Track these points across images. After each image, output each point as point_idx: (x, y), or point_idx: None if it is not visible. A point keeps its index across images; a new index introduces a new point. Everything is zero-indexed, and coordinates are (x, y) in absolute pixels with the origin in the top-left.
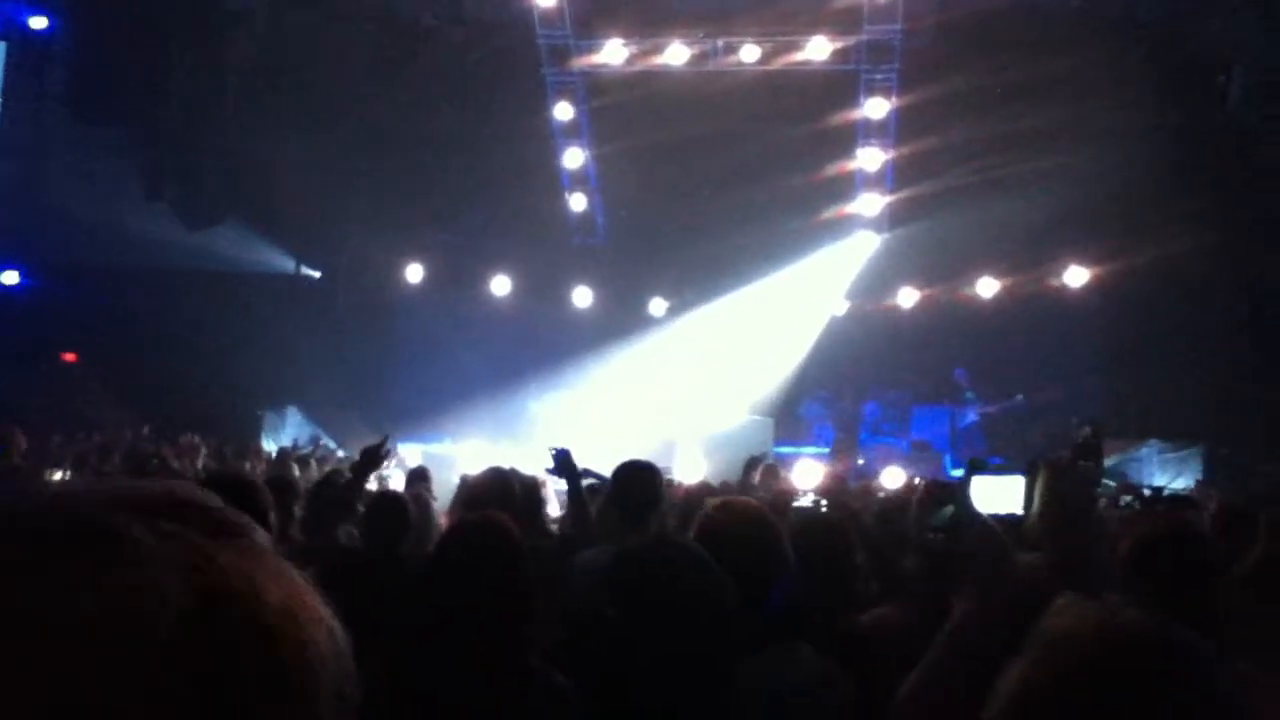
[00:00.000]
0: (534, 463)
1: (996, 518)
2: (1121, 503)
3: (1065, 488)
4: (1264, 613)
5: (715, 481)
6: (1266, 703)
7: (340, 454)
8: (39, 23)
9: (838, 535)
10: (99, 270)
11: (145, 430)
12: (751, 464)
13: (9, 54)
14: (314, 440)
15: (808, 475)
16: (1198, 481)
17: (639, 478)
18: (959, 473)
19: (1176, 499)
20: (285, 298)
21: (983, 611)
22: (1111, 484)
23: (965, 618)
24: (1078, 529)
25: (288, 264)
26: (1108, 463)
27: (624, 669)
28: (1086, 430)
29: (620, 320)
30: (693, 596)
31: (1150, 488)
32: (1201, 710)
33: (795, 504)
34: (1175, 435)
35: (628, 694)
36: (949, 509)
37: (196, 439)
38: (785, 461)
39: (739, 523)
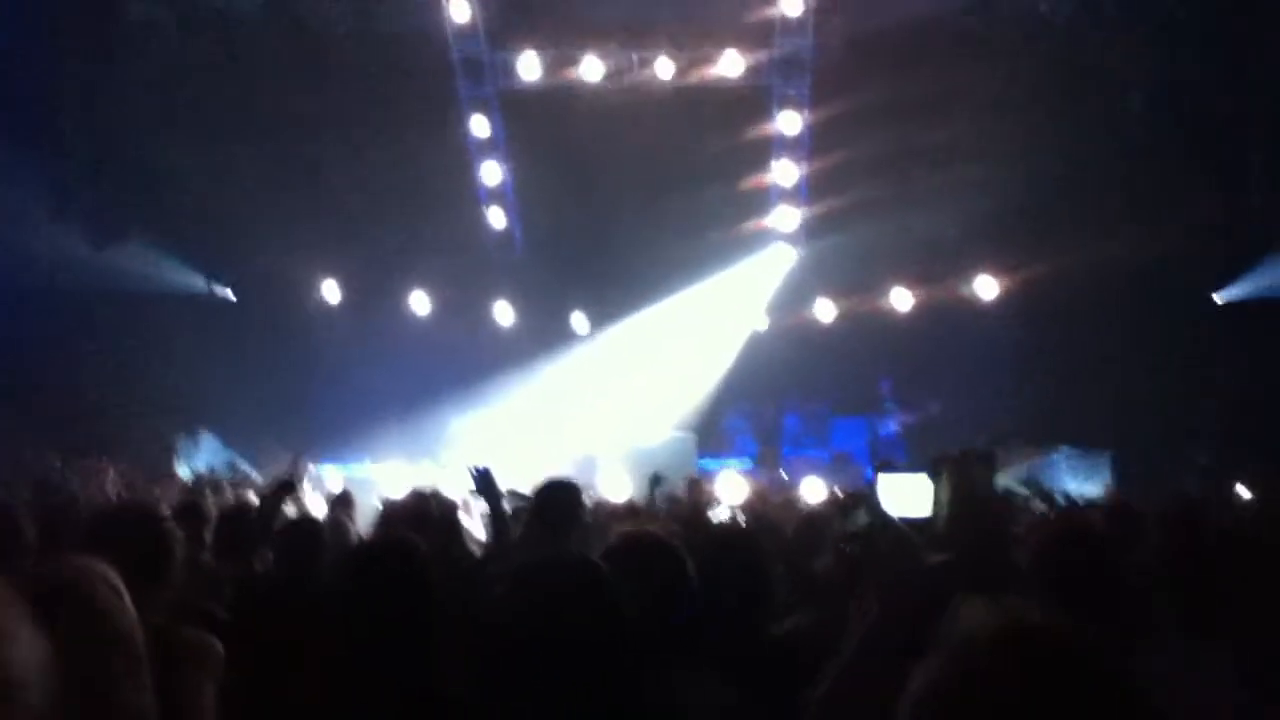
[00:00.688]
0: (455, 482)
1: (906, 520)
2: (1038, 511)
3: (964, 483)
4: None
5: (640, 498)
6: (1175, 699)
7: (256, 477)
8: None
9: (751, 547)
10: (6, 292)
11: (52, 457)
12: (654, 481)
13: None
14: (229, 465)
15: (731, 487)
16: (1106, 486)
17: (558, 496)
18: None
19: (1090, 505)
20: (197, 318)
21: (889, 611)
22: (1025, 490)
23: (873, 618)
24: (979, 525)
25: (199, 283)
26: (1021, 469)
27: (523, 684)
28: (982, 438)
29: (541, 336)
30: (585, 609)
31: (1063, 494)
32: (1104, 709)
33: (711, 515)
34: (1085, 442)
35: (531, 710)
36: (861, 514)
37: (105, 463)
38: (709, 475)
39: (638, 552)
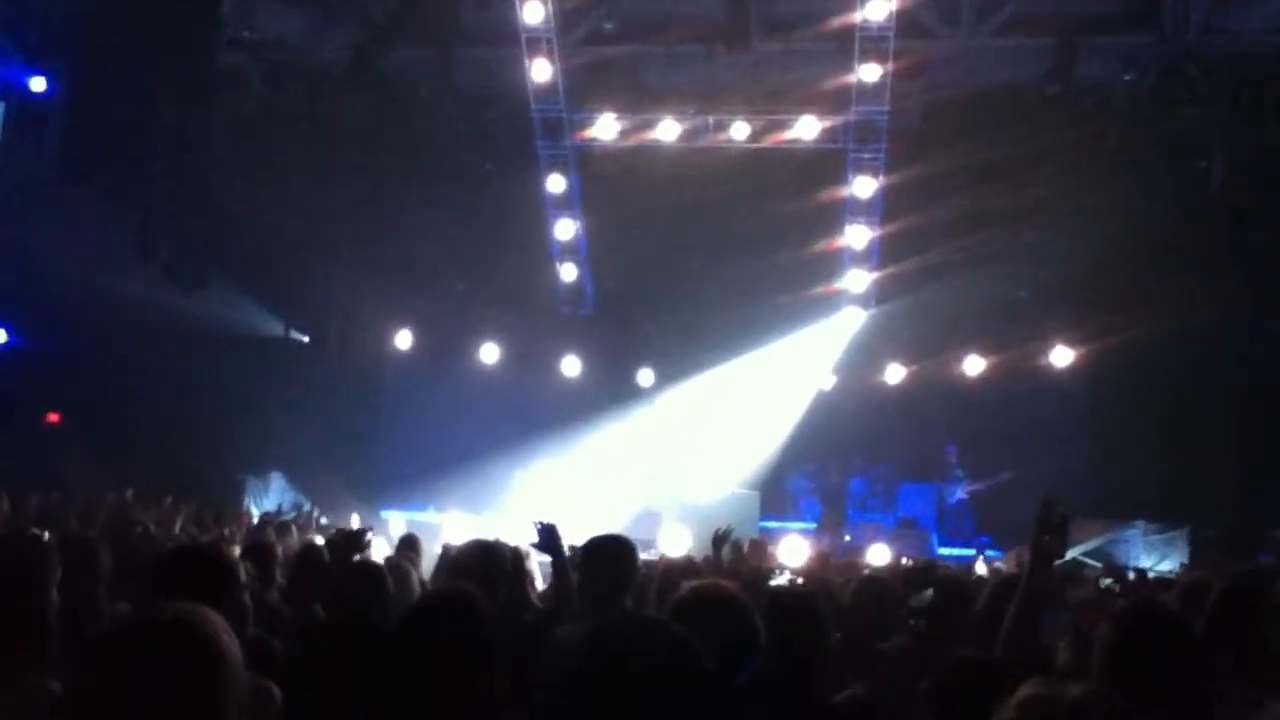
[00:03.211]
0: (518, 534)
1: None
2: (1103, 584)
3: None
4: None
5: (699, 555)
6: None
7: (324, 520)
8: (38, 84)
9: (811, 613)
10: (86, 330)
11: (129, 494)
12: (719, 540)
13: (7, 114)
14: (297, 506)
15: (794, 550)
16: (1181, 564)
17: (610, 552)
18: (947, 550)
19: (1160, 581)
20: (273, 361)
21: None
22: (1098, 564)
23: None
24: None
25: (276, 327)
26: (1095, 543)
27: None
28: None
29: (608, 390)
30: (665, 676)
31: (1135, 569)
32: None
33: (772, 582)
34: (1161, 516)
35: None
36: (929, 591)
37: (173, 503)
38: (772, 536)
39: (708, 606)
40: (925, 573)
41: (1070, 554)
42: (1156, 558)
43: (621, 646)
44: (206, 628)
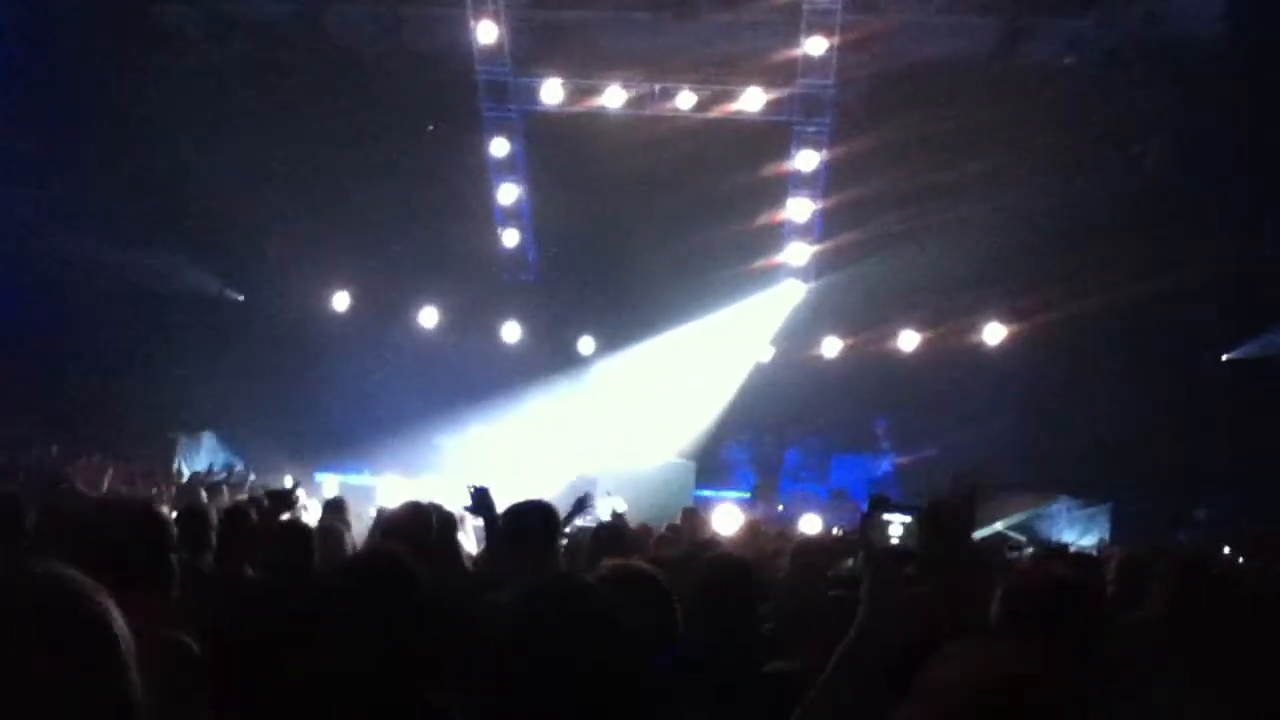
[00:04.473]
0: (453, 498)
1: (897, 551)
2: (1019, 556)
3: (947, 522)
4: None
5: (634, 523)
6: None
7: (253, 479)
8: None
9: (744, 582)
10: (17, 286)
11: (53, 450)
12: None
13: None
14: (228, 467)
15: (727, 519)
16: (1101, 540)
17: (531, 516)
18: None
19: (1078, 556)
20: (207, 320)
21: (868, 638)
22: (1021, 538)
23: (851, 643)
24: (956, 564)
25: (211, 285)
26: (1019, 517)
27: (529, 707)
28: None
29: (548, 357)
30: (599, 633)
31: (1057, 544)
32: None
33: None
34: (1088, 492)
35: None
36: (849, 561)
37: (100, 459)
38: (706, 505)
39: (631, 586)
40: (850, 546)
41: (995, 526)
42: (1079, 532)
43: (545, 606)
44: (75, 588)
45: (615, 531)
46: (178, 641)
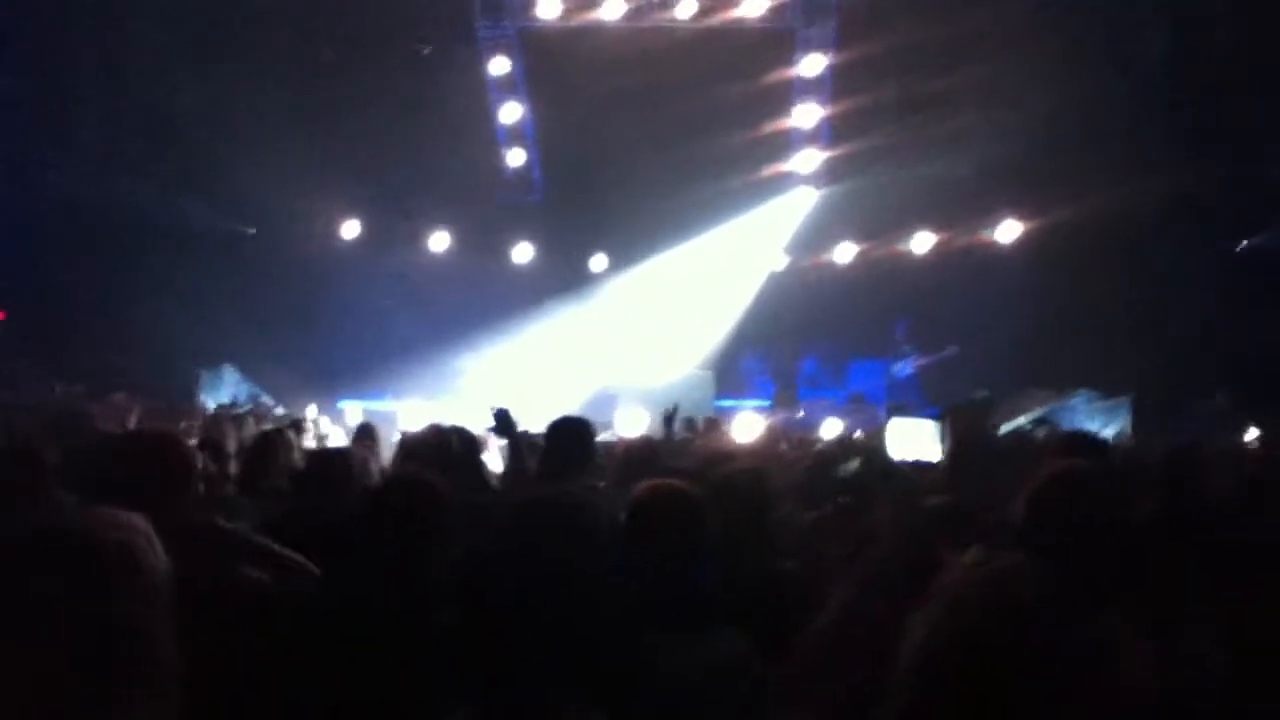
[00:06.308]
0: (475, 420)
1: (916, 463)
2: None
3: (967, 429)
4: (1166, 560)
5: (656, 436)
6: (1136, 665)
7: (279, 411)
8: None
9: (755, 491)
10: (27, 228)
11: (78, 389)
12: (668, 417)
13: None
14: (252, 398)
15: (747, 427)
16: (1120, 430)
17: (570, 433)
18: None
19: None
20: (217, 254)
21: (889, 552)
22: (1039, 429)
23: (871, 560)
24: (980, 469)
25: (218, 219)
26: (1040, 411)
27: (502, 615)
28: (984, 392)
29: (561, 276)
30: (564, 547)
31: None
32: (1073, 674)
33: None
34: (1105, 387)
35: (508, 642)
36: (853, 463)
37: (128, 398)
38: (727, 415)
39: (664, 507)
40: (850, 449)
41: (1019, 420)
42: (1100, 424)
43: (531, 517)
44: (107, 522)
45: (648, 448)
46: (215, 573)
